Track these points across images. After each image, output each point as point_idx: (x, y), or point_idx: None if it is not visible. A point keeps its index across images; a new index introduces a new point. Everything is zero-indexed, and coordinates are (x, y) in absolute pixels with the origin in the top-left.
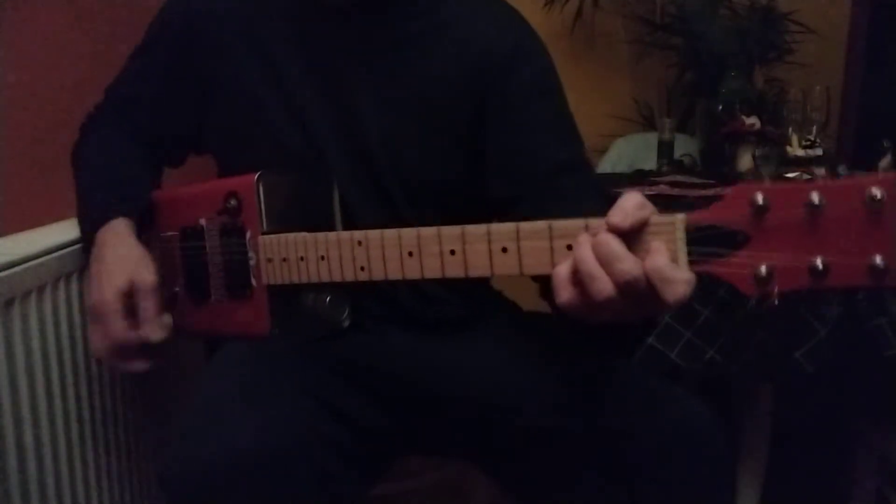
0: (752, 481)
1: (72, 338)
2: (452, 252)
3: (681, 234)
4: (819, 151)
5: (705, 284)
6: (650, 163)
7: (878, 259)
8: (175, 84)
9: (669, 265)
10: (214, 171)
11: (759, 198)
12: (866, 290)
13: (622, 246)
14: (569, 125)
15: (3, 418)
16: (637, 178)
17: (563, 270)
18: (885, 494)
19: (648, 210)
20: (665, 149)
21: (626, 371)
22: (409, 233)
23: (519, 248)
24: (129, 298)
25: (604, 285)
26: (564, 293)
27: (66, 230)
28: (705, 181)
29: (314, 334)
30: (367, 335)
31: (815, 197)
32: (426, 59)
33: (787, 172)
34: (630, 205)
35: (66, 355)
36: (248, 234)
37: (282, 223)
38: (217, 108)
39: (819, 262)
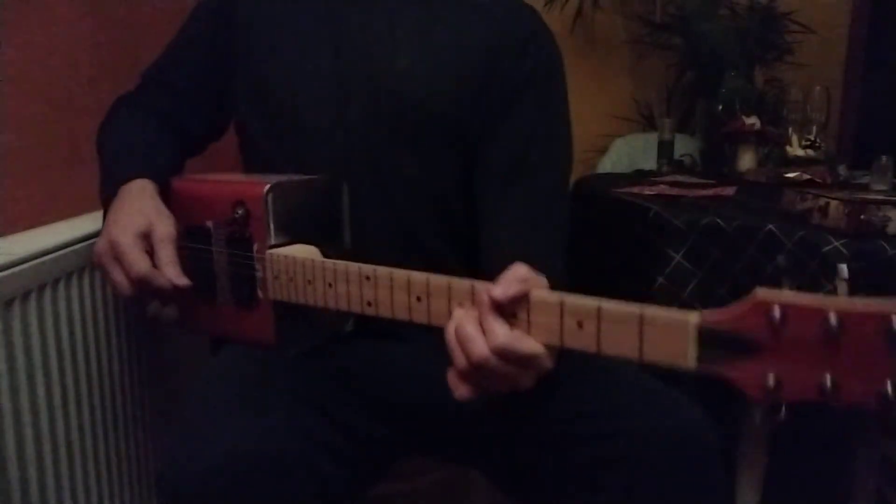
0: (751, 482)
1: (72, 338)
2: (461, 304)
3: (693, 334)
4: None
5: (706, 285)
6: (650, 163)
7: (889, 387)
8: (211, 53)
9: (513, 340)
10: (220, 164)
11: (777, 312)
12: (872, 414)
13: (476, 328)
14: (556, 123)
15: (3, 418)
16: (637, 178)
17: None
18: (885, 494)
19: (529, 284)
20: (665, 149)
21: (623, 374)
22: (418, 278)
23: (529, 319)
24: (146, 244)
25: (460, 361)
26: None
27: (66, 230)
28: (705, 181)
29: (317, 341)
30: (365, 343)
31: (832, 318)
32: (456, 18)
33: (786, 172)
34: (512, 276)
35: (66, 355)
36: (256, 247)
37: (289, 232)
38: (250, 79)
39: (828, 381)
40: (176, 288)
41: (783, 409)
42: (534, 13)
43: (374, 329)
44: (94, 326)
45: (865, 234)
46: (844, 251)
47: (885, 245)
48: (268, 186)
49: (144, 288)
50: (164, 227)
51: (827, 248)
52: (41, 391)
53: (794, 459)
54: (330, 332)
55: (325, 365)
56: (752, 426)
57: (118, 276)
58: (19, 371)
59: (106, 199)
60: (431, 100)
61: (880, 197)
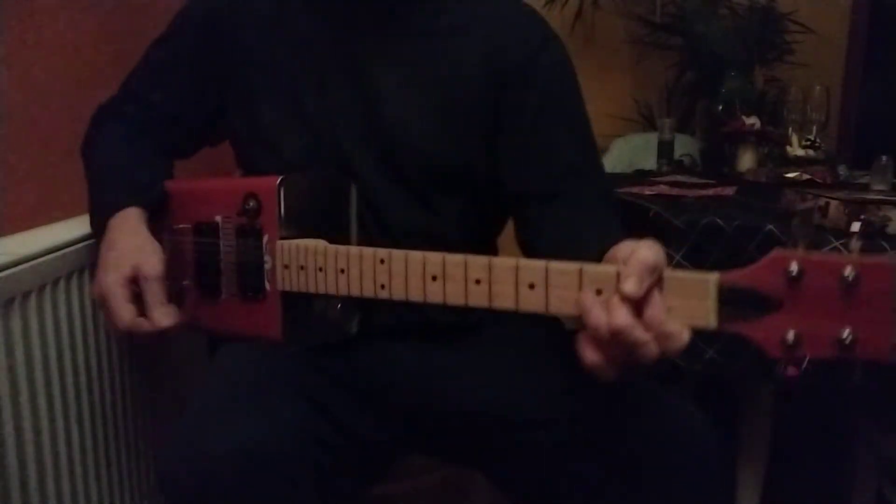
0: (752, 481)
1: (72, 338)
2: (478, 281)
3: (713, 294)
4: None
5: None
6: (650, 163)
7: None
8: (196, 75)
9: (665, 320)
10: (224, 165)
11: (794, 267)
12: (891, 367)
13: (630, 316)
14: (584, 128)
15: (3, 418)
16: (637, 178)
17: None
18: (885, 494)
19: (658, 273)
20: (665, 149)
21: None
22: (434, 257)
23: (547, 288)
24: (134, 285)
25: (618, 350)
26: (590, 355)
27: (66, 230)
28: (705, 181)
29: (322, 340)
30: (369, 344)
31: (848, 271)
32: (451, 51)
33: (786, 172)
34: (643, 270)
35: (66, 355)
36: (266, 238)
37: (299, 226)
38: (238, 100)
39: (846, 335)
40: (162, 330)
41: (805, 362)
42: (537, 26)
43: (377, 331)
44: (94, 326)
45: (865, 234)
46: (844, 251)
47: (885, 245)
48: (280, 178)
49: (133, 334)
50: (149, 265)
51: (827, 248)
52: (41, 391)
53: (794, 459)
54: (335, 332)
55: (327, 365)
56: (753, 425)
57: (110, 323)
58: (19, 371)
59: (96, 230)
60: (427, 146)
61: (880, 197)
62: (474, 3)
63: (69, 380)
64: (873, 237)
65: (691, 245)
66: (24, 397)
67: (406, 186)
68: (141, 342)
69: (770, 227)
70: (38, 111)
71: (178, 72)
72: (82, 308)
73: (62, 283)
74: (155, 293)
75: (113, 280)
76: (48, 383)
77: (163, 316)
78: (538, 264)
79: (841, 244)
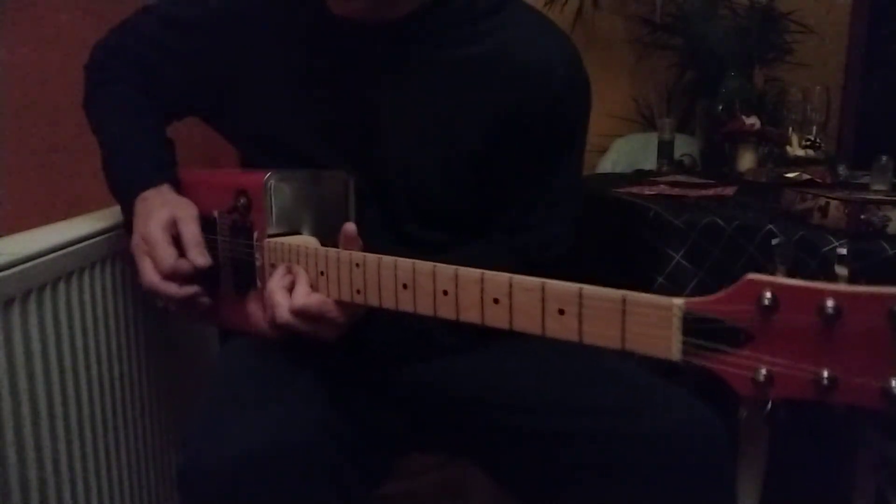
0: (752, 481)
1: (72, 338)
2: (445, 293)
3: (677, 322)
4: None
5: (705, 285)
6: (650, 163)
7: (894, 382)
8: (199, 74)
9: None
10: (226, 157)
11: (767, 297)
12: (877, 414)
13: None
14: (578, 180)
15: (3, 418)
16: (637, 178)
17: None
18: (885, 494)
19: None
20: (665, 149)
21: (628, 371)
22: (405, 264)
23: (511, 303)
24: (173, 229)
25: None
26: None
27: (66, 230)
28: (705, 181)
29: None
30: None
31: (829, 304)
32: (457, 89)
33: (786, 172)
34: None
35: (67, 355)
36: (256, 235)
37: (291, 223)
38: (238, 108)
39: (825, 376)
40: (200, 269)
41: (769, 405)
42: (561, 66)
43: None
44: (94, 326)
45: (865, 234)
46: (842, 249)
47: (885, 245)
48: (268, 175)
49: (174, 279)
50: (186, 210)
51: (827, 248)
52: (41, 391)
53: (794, 459)
54: None
55: (337, 357)
56: (752, 425)
57: (148, 268)
58: (19, 371)
59: (123, 202)
60: (421, 187)
61: (880, 197)
62: (501, 31)
63: (69, 380)
64: (873, 237)
65: (691, 245)
66: (24, 397)
67: (392, 221)
68: (159, 305)
69: (770, 227)
70: (38, 112)
71: (184, 65)
72: (82, 308)
73: (62, 283)
74: (192, 233)
75: (154, 225)
76: (48, 383)
77: (199, 255)
78: (502, 277)
79: (841, 244)
